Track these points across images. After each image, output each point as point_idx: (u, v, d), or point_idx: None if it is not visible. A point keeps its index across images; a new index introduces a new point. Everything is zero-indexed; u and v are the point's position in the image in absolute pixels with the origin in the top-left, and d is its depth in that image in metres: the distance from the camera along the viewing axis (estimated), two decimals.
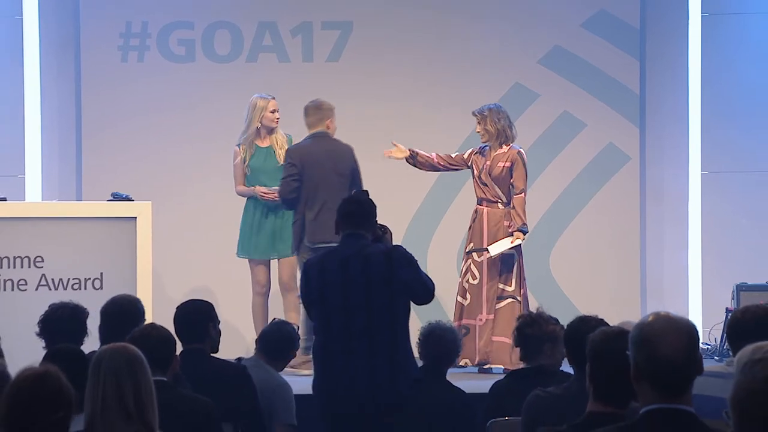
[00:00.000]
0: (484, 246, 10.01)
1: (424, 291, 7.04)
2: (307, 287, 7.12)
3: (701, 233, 11.92)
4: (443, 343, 7.24)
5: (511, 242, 9.92)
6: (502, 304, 9.95)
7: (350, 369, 6.90)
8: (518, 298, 9.99)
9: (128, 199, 9.22)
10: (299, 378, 8.51)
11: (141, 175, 11.28)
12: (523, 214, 9.98)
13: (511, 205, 9.99)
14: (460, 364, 9.93)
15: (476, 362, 9.95)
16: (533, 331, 6.72)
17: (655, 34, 12.02)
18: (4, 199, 9.33)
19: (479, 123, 10.10)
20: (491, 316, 9.96)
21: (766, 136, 11.78)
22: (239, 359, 7.27)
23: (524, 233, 9.98)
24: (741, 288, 11.02)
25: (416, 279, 6.99)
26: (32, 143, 11.70)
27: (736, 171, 11.86)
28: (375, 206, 7.19)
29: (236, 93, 11.76)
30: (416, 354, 7.25)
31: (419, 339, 7.45)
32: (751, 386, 2.91)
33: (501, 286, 10.00)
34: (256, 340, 7.61)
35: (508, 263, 10.01)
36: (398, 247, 7.30)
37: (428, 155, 10.24)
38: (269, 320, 8.45)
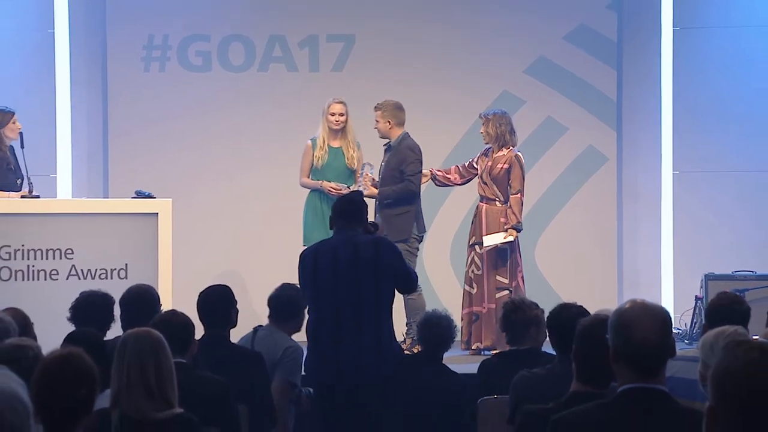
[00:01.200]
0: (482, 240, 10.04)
1: (406, 278, 7.10)
2: (303, 272, 7.14)
3: (673, 228, 11.93)
4: (439, 330, 7.20)
5: (504, 237, 9.91)
6: (500, 294, 9.96)
7: (339, 347, 6.88)
8: (511, 289, 9.98)
9: (150, 196, 9.21)
10: None
11: (162, 175, 11.28)
12: (519, 213, 9.95)
13: (508, 204, 9.98)
14: (473, 347, 9.96)
15: (484, 347, 9.93)
16: (518, 316, 6.72)
17: (630, 46, 12.01)
18: (38, 197, 9.31)
19: (483, 125, 10.09)
20: (493, 306, 9.96)
21: (733, 139, 11.77)
22: (257, 328, 7.26)
23: (518, 231, 9.96)
24: (709, 277, 11.00)
25: (399, 267, 7.03)
26: (63, 145, 11.71)
27: (704, 171, 11.86)
28: (366, 205, 7.24)
29: (249, 100, 11.79)
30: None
31: (418, 326, 7.45)
32: (732, 367, 2.89)
33: (498, 278, 10.01)
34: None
35: (503, 257, 10.00)
36: (384, 238, 7.35)
37: (447, 176, 10.28)
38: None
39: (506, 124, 10.06)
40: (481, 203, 10.12)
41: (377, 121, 10.02)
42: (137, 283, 7.36)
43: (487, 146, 10.15)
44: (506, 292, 9.92)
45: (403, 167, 9.88)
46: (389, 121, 9.98)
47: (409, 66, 11.76)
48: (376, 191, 9.86)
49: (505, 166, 9.99)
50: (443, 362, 7.28)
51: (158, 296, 7.05)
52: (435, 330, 7.20)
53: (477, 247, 10.06)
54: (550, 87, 11.88)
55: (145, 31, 11.79)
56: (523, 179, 10.02)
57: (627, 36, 12.00)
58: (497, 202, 10.04)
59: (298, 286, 7.37)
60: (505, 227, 9.94)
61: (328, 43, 11.89)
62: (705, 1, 11.86)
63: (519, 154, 10.07)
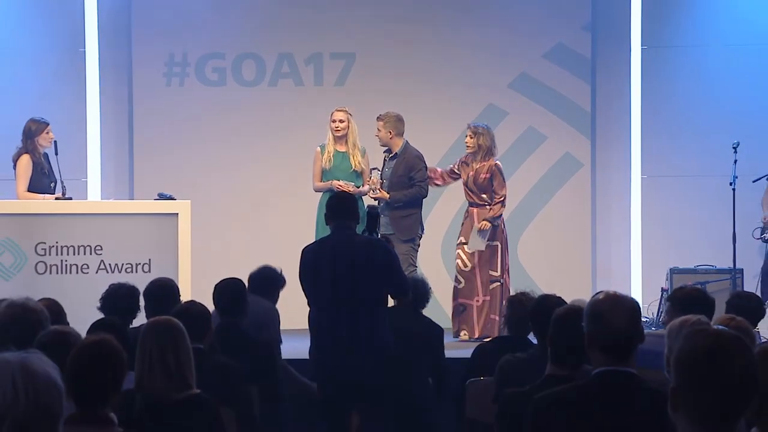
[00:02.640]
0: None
1: (398, 286, 6.97)
2: (304, 267, 7.06)
3: (641, 226, 11.93)
4: (415, 289, 7.44)
5: (479, 227, 9.92)
6: (493, 286, 9.99)
7: (337, 340, 6.84)
8: (502, 280, 10.02)
9: (171, 198, 9.20)
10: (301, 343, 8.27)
11: (182, 179, 11.27)
12: (497, 211, 9.98)
13: (491, 206, 9.99)
14: (461, 336, 9.97)
15: (477, 336, 9.93)
16: (520, 309, 6.63)
17: (603, 63, 12.02)
18: (70, 198, 9.31)
19: (473, 136, 10.06)
20: (488, 297, 9.98)
21: (695, 147, 11.77)
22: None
23: (491, 222, 9.96)
24: (674, 271, 11.02)
25: (394, 273, 6.91)
26: (93, 152, 11.71)
27: (669, 175, 11.86)
28: (357, 201, 7.24)
29: (260, 112, 11.79)
30: None
31: None
32: (692, 353, 2.89)
33: (490, 272, 10.03)
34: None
35: (493, 253, 10.02)
36: (381, 240, 7.29)
37: (432, 177, 10.30)
38: None
39: (492, 138, 10.12)
40: (471, 207, 10.13)
41: (379, 130, 10.02)
42: (159, 276, 7.35)
43: (468, 153, 10.13)
44: (497, 283, 9.96)
45: (412, 174, 9.95)
46: (390, 132, 9.98)
47: (404, 80, 11.75)
48: (387, 195, 9.86)
49: (487, 175, 10.01)
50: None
51: (178, 288, 7.05)
52: (414, 289, 7.43)
53: (465, 246, 10.07)
54: (530, 100, 11.88)
55: (167, 49, 11.79)
56: (505, 185, 10.05)
57: (600, 54, 12.00)
58: (486, 206, 10.06)
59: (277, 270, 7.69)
60: (484, 218, 9.96)
61: (331, 61, 11.89)
62: (670, 23, 11.85)
63: (498, 163, 10.11)
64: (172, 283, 7.05)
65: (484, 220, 9.97)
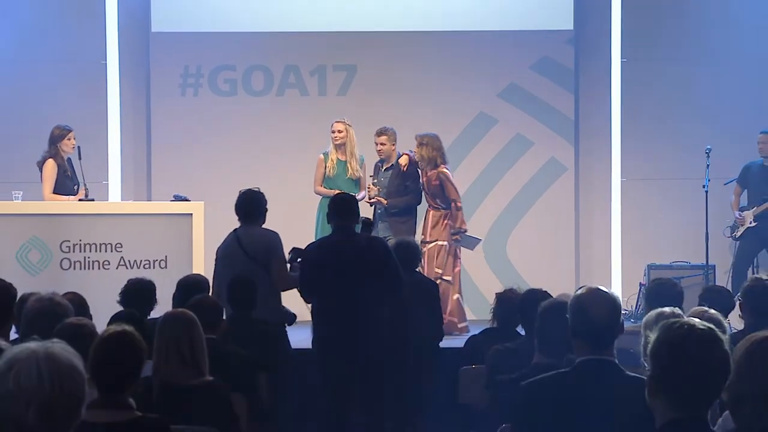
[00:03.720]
0: (427, 238, 9.88)
1: (392, 280, 6.95)
2: (308, 265, 7.05)
3: (621, 226, 11.92)
4: (407, 251, 7.53)
5: (454, 238, 9.86)
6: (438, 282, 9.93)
7: (340, 327, 6.85)
8: (447, 279, 9.88)
9: (186, 199, 9.21)
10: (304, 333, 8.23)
11: (196, 182, 11.26)
12: (461, 220, 9.87)
13: (450, 210, 9.89)
14: None
15: None
16: (508, 305, 6.61)
17: (586, 74, 12.01)
18: (92, 200, 9.33)
19: (417, 147, 9.88)
20: None
21: (670, 152, 11.76)
22: (236, 230, 7.50)
23: (458, 234, 9.86)
24: (651, 267, 11.02)
25: (388, 264, 6.92)
26: (113, 157, 11.70)
27: (647, 178, 11.86)
28: (357, 202, 7.22)
29: (268, 120, 11.79)
30: None
31: (393, 248, 7.57)
32: (668, 343, 2.90)
33: (435, 269, 9.86)
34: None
35: (441, 255, 9.90)
36: (380, 239, 7.32)
37: None
38: None
39: (437, 148, 9.87)
40: (429, 209, 10.03)
41: (383, 144, 9.99)
42: (187, 273, 7.39)
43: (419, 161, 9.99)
44: (442, 282, 9.74)
45: (408, 183, 9.92)
46: (393, 145, 10.01)
47: (401, 91, 11.75)
48: (385, 201, 9.88)
49: (437, 182, 9.86)
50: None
51: (209, 284, 7.03)
52: (406, 250, 7.53)
53: (424, 244, 9.92)
54: (518, 108, 11.87)
55: (182, 62, 11.78)
56: (455, 189, 9.88)
57: (582, 66, 12.00)
58: (439, 209, 9.96)
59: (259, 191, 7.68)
60: (452, 231, 9.86)
61: (334, 72, 11.89)
62: (647, 38, 11.84)
63: (445, 171, 9.87)
64: (205, 279, 7.04)
65: (454, 235, 9.86)
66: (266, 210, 7.65)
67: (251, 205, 7.55)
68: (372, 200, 9.92)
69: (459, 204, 9.89)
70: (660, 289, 5.92)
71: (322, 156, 10.08)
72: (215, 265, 7.58)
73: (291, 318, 7.48)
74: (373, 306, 6.86)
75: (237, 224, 7.63)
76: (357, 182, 10.00)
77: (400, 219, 9.88)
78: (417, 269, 7.76)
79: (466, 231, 9.93)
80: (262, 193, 7.66)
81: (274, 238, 7.48)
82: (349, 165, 9.98)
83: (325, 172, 10.00)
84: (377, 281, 6.84)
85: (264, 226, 7.60)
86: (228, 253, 7.44)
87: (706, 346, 2.86)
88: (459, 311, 9.85)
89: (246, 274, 6.97)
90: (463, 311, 9.92)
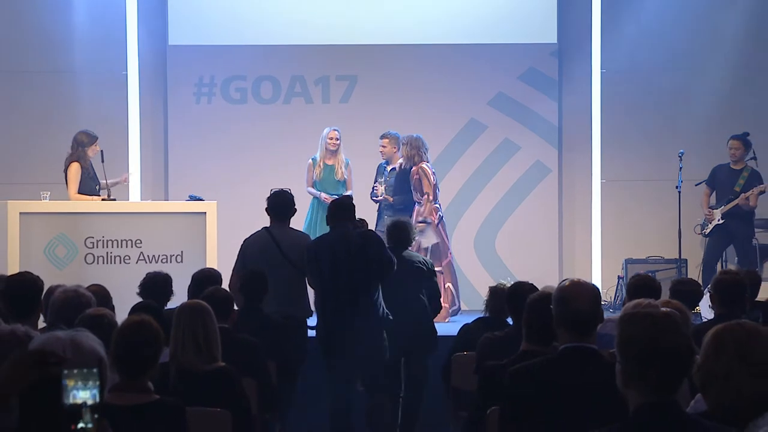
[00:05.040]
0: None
1: (386, 266, 6.97)
2: (309, 261, 7.07)
3: (601, 223, 11.92)
4: (400, 231, 7.43)
5: (418, 229, 9.90)
6: None
7: (342, 317, 6.85)
8: (438, 270, 9.91)
9: (200, 199, 9.20)
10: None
11: (210, 183, 11.26)
12: (428, 211, 9.89)
13: (422, 203, 9.95)
14: None
15: None
16: (500, 294, 6.56)
17: (568, 84, 12.01)
18: (114, 199, 9.32)
19: (402, 147, 10.05)
20: None
21: (646, 155, 11.77)
22: (267, 228, 7.46)
23: (426, 223, 9.88)
24: (628, 261, 11.03)
25: (382, 256, 6.93)
26: (133, 160, 11.69)
27: (625, 180, 11.86)
28: (354, 206, 7.22)
29: (276, 126, 11.79)
30: None
31: (386, 229, 7.57)
32: (630, 335, 2.90)
33: None
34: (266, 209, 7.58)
35: (431, 246, 9.96)
36: (372, 231, 7.34)
37: None
38: None
39: (416, 147, 9.94)
40: (415, 205, 10.06)
41: (384, 146, 10.22)
42: (201, 267, 7.36)
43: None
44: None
45: (412, 183, 10.05)
46: (394, 148, 10.17)
47: (398, 99, 11.75)
48: (390, 198, 10.06)
49: (417, 177, 9.95)
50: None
51: (221, 277, 7.01)
52: (401, 230, 7.43)
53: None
54: (507, 115, 11.87)
55: (197, 72, 11.78)
56: (431, 184, 9.92)
57: (565, 76, 11.99)
58: (421, 204, 10.00)
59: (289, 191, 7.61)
60: (419, 219, 9.89)
61: (336, 82, 11.88)
62: (624, 50, 11.84)
63: (424, 166, 9.94)
64: (218, 273, 7.04)
65: (420, 222, 9.89)
66: (296, 210, 7.63)
67: (285, 206, 7.52)
68: (379, 198, 10.12)
69: (431, 197, 9.96)
70: (641, 284, 5.92)
71: (311, 161, 10.34)
72: (241, 258, 7.51)
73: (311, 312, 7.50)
74: (369, 293, 6.86)
75: (246, 221, 7.61)
76: (344, 183, 10.27)
77: (404, 212, 9.92)
78: (409, 248, 7.64)
79: (430, 223, 9.94)
80: (292, 195, 7.63)
81: (308, 240, 7.50)
82: (337, 168, 10.23)
83: (314, 175, 10.29)
84: (372, 269, 6.85)
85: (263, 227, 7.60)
86: (264, 250, 7.38)
87: (665, 334, 2.86)
88: (450, 298, 9.91)
89: (258, 269, 6.96)
90: (453, 297, 9.95)
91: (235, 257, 7.60)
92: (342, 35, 11.86)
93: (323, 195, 10.13)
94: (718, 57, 11.71)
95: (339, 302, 6.84)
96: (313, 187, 10.28)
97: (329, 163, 10.26)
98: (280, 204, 7.54)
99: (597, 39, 11.92)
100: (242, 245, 7.59)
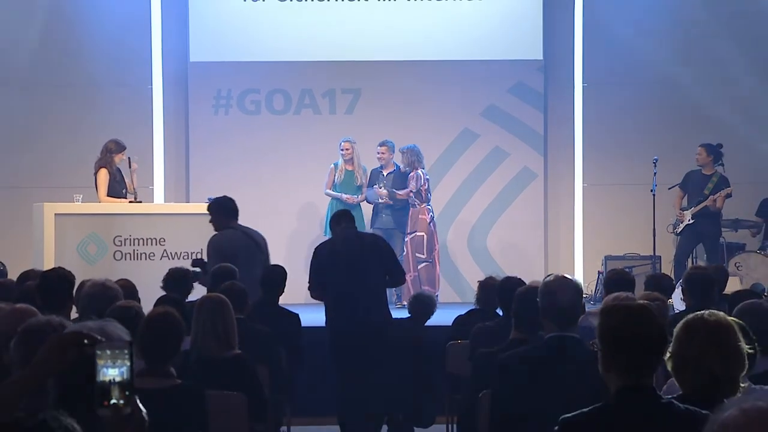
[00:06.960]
0: (409, 230, 10.20)
1: (394, 276, 6.93)
2: (318, 261, 7.03)
3: (582, 223, 11.92)
4: (426, 304, 7.24)
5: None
6: (421, 266, 10.04)
7: (353, 313, 6.82)
8: (431, 260, 10.07)
9: None
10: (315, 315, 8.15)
11: (227, 187, 11.18)
12: (404, 194, 10.18)
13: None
14: (403, 301, 9.95)
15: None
16: (491, 287, 6.53)
17: (553, 96, 12.01)
18: (140, 202, 9.33)
19: (402, 156, 10.32)
20: (416, 273, 10.02)
21: (624, 162, 11.77)
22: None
23: (388, 192, 10.25)
24: (607, 258, 11.02)
25: (393, 266, 6.90)
26: (158, 166, 11.69)
27: (605, 184, 11.86)
28: (352, 215, 7.27)
29: (287, 135, 11.77)
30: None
31: (409, 302, 7.44)
32: (609, 324, 2.91)
33: (417, 254, 10.11)
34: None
35: (420, 240, 10.09)
36: (381, 237, 7.35)
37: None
38: None
39: (415, 155, 10.24)
40: (410, 206, 10.25)
41: (383, 153, 10.46)
42: (219, 264, 7.33)
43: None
44: (426, 263, 10.02)
45: (406, 183, 10.27)
46: (391, 155, 10.45)
47: (398, 110, 11.73)
48: (395, 196, 10.29)
49: (413, 179, 10.19)
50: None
51: (236, 272, 6.99)
52: (424, 303, 7.23)
53: (409, 235, 10.20)
54: (497, 125, 11.85)
55: (215, 86, 11.77)
56: (416, 184, 10.14)
57: (550, 90, 11.99)
58: (416, 206, 10.20)
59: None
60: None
61: (342, 95, 11.87)
62: (604, 66, 11.85)
63: (419, 172, 10.22)
64: (234, 269, 7.04)
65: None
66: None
67: (354, 222, 7.27)
68: (383, 201, 10.33)
69: (411, 193, 10.16)
70: (617, 278, 5.92)
71: (332, 166, 10.52)
72: (320, 261, 7.03)
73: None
74: (379, 289, 6.87)
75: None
76: (360, 187, 10.43)
77: (402, 212, 10.30)
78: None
79: (402, 198, 10.18)
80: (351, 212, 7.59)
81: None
82: (356, 174, 10.43)
83: (334, 179, 10.47)
84: (381, 268, 6.85)
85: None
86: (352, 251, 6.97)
87: (642, 323, 2.88)
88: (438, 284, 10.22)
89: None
90: (437, 282, 10.20)
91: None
92: (347, 52, 11.86)
93: (344, 196, 10.35)
94: (689, 72, 11.72)
95: (351, 298, 6.82)
96: (332, 189, 10.47)
97: (349, 169, 10.47)
98: (344, 218, 7.23)
99: (579, 55, 11.93)
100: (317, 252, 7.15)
